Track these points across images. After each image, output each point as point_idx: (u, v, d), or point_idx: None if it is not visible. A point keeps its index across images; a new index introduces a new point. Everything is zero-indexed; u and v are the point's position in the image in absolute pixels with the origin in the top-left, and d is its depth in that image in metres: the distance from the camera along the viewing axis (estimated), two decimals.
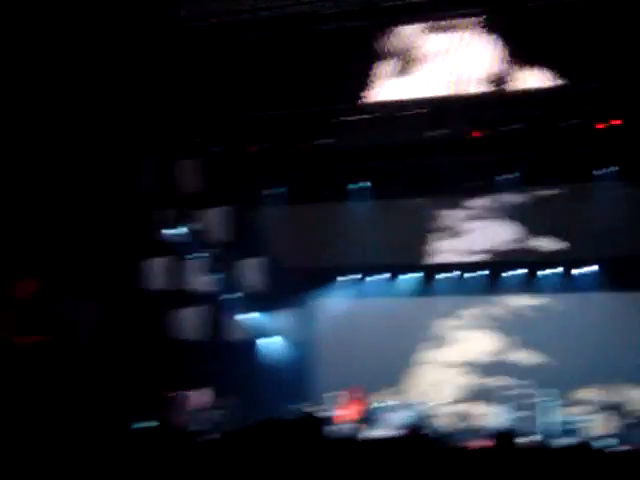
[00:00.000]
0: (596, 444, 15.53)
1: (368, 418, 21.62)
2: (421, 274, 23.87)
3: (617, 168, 19.82)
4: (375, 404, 22.05)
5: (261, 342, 23.61)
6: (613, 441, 19.37)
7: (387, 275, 24.11)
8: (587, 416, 21.13)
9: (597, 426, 20.44)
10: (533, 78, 16.11)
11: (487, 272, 23.25)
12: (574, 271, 22.44)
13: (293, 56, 17.00)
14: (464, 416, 21.97)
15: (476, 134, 17.61)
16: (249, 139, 18.54)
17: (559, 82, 15.96)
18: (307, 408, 22.05)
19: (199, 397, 21.48)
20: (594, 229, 21.28)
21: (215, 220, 21.09)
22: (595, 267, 22.14)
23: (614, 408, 20.62)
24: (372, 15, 16.30)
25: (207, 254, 21.07)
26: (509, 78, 16.14)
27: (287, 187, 21.84)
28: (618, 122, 17.00)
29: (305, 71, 17.01)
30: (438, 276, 23.66)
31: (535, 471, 4.58)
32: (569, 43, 15.42)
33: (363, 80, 16.83)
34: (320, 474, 4.45)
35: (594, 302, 22.55)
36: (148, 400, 19.04)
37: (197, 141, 18.92)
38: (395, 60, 16.59)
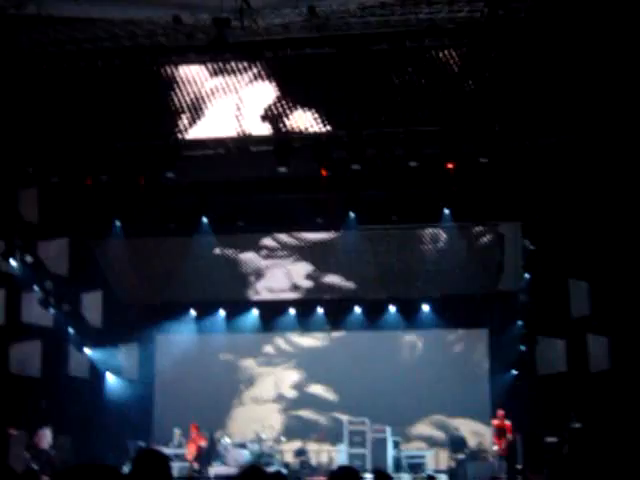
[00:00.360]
0: (429, 478, 16.07)
1: (207, 455, 21.47)
2: (258, 310, 24.01)
3: (449, 210, 20.62)
4: (214, 441, 21.92)
5: (100, 378, 23.11)
6: (446, 476, 20.03)
7: (225, 311, 24.12)
8: (422, 451, 21.72)
9: (431, 461, 21.05)
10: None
11: (322, 309, 23.68)
12: (407, 308, 23.20)
13: (134, 88, 16.82)
14: (302, 453, 22.12)
15: (323, 173, 17.89)
16: (86, 170, 18.12)
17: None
18: (146, 445, 21.74)
19: (36, 435, 20.77)
20: (427, 268, 22.15)
21: (53, 252, 20.51)
22: (426, 305, 22.96)
23: (448, 443, 21.28)
24: (217, 49, 16.37)
25: (45, 287, 20.44)
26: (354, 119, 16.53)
27: (126, 220, 21.52)
28: (451, 165, 17.65)
29: (146, 104, 16.85)
30: (275, 312, 23.91)
31: None
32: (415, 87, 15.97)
33: (205, 115, 16.82)
34: None
35: (425, 338, 23.34)
36: None
37: (32, 170, 18.35)
38: (236, 96, 16.66)
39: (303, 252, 22.84)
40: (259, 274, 23.40)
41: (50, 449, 20.58)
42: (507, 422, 19.89)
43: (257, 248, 23.03)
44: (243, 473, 4.61)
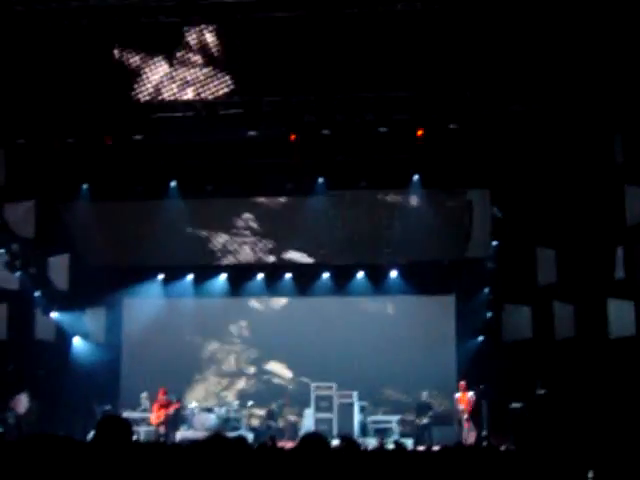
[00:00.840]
0: (395, 443, 16.19)
1: (174, 420, 21.51)
2: (227, 275, 23.98)
3: (418, 176, 20.65)
4: (181, 405, 21.95)
5: (67, 342, 23.01)
6: (412, 440, 20.21)
7: (194, 275, 24.05)
8: (388, 416, 21.87)
9: (396, 426, 21.20)
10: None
11: (290, 274, 23.71)
12: (375, 274, 23.27)
13: (102, 48, 16.60)
14: (272, 416, 22.21)
15: (293, 137, 17.83)
16: (54, 132, 17.92)
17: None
18: (113, 409, 21.73)
19: (12, 399, 20.71)
20: (395, 234, 22.20)
21: (19, 215, 20.29)
22: (395, 271, 23.05)
23: (414, 408, 21.44)
24: (186, 11, 16.18)
25: (11, 250, 20.25)
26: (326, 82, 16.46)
27: (93, 183, 21.36)
28: (421, 131, 17.65)
29: (116, 65, 16.65)
30: (244, 277, 23.90)
31: (340, 472, 4.70)
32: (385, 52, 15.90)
33: (174, 76, 16.65)
34: (127, 477, 4.40)
35: (393, 304, 23.44)
36: None
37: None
38: (206, 58, 16.50)
39: (271, 217, 22.77)
40: (226, 239, 23.31)
41: (27, 413, 20.58)
42: (469, 393, 20.18)
43: (225, 212, 22.93)
44: (206, 440, 4.60)
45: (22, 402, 20.59)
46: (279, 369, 23.76)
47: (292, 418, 22.39)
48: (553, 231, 19.39)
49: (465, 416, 20.08)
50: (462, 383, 20.55)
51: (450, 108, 16.85)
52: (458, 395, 20.41)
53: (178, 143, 19.52)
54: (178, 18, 16.34)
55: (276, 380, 23.78)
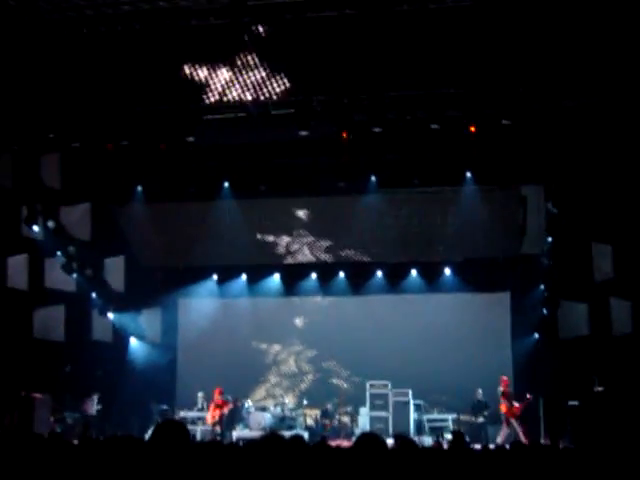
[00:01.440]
0: (452, 433, 16.09)
1: (230, 419, 21.65)
2: (280, 274, 24.06)
3: (471, 173, 20.50)
4: (237, 404, 22.07)
5: (124, 342, 23.30)
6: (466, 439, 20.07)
7: (248, 275, 24.18)
8: (443, 415, 21.76)
9: (451, 425, 21.09)
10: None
11: (344, 273, 23.71)
12: (428, 272, 23.17)
13: (154, 52, 16.75)
14: (327, 414, 22.22)
15: (344, 136, 17.84)
16: (108, 135, 18.16)
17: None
18: (170, 409, 21.96)
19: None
20: (449, 232, 22.07)
21: (75, 218, 20.58)
22: (448, 269, 22.93)
23: (470, 407, 21.31)
24: (236, 13, 16.28)
25: (68, 252, 20.55)
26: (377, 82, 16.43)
27: (147, 185, 21.58)
28: (473, 128, 17.53)
29: (163, 69, 16.81)
30: (298, 276, 23.97)
31: (396, 471, 4.69)
32: (436, 49, 15.83)
33: (227, 78, 16.75)
34: (185, 477, 4.44)
35: (447, 302, 23.26)
36: (7, 400, 18.53)
37: (53, 136, 18.38)
38: (260, 59, 16.57)
39: (324, 216, 22.77)
40: (281, 238, 23.37)
41: (97, 415, 21.07)
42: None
43: (278, 212, 22.98)
44: (262, 439, 4.62)
45: (93, 404, 21.05)
46: (334, 368, 23.76)
47: (347, 417, 22.37)
48: (609, 226, 19.12)
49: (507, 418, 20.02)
50: (504, 378, 20.41)
51: (502, 104, 16.73)
52: (501, 388, 20.34)
53: (230, 144, 19.63)
54: (228, 19, 16.44)
55: (331, 379, 23.78)
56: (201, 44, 16.69)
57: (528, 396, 19.94)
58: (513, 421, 19.94)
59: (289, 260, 23.74)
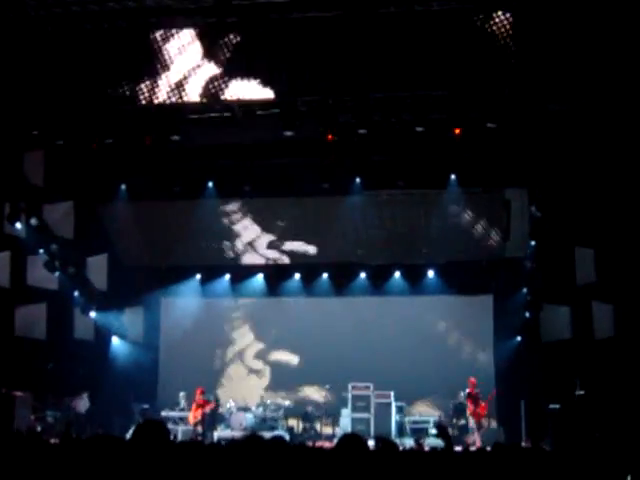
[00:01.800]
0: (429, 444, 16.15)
1: (211, 419, 21.61)
2: (264, 275, 24.06)
3: (455, 176, 20.53)
4: (219, 405, 22.04)
5: (106, 341, 23.22)
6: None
7: (231, 275, 24.16)
8: (425, 417, 21.80)
9: (432, 427, 21.10)
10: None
11: (327, 274, 23.73)
12: (412, 274, 23.22)
13: (139, 50, 16.71)
14: (306, 420, 22.21)
15: (329, 137, 17.83)
16: (92, 133, 18.07)
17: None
18: (151, 408, 21.90)
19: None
20: (432, 234, 22.11)
21: (58, 215, 20.49)
22: (432, 271, 22.99)
23: (451, 409, 21.37)
24: (223, 12, 16.25)
25: (50, 250, 20.46)
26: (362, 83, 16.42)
27: (131, 184, 21.50)
28: (458, 131, 17.55)
29: (146, 66, 16.76)
30: (281, 277, 23.97)
31: (377, 472, 4.69)
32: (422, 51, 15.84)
33: (211, 77, 16.71)
34: (165, 476, 4.42)
35: (430, 304, 23.31)
36: None
37: (37, 133, 18.27)
38: (244, 58, 16.55)
39: (309, 217, 22.76)
40: (264, 238, 23.34)
41: (87, 413, 21.04)
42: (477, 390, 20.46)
43: (263, 212, 22.95)
44: (243, 439, 4.61)
45: (84, 402, 21.01)
46: (316, 369, 23.71)
47: (329, 419, 22.36)
48: (592, 230, 19.20)
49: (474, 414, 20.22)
50: (472, 379, 20.52)
51: (487, 107, 16.76)
52: (467, 391, 20.54)
53: (215, 144, 19.61)
54: (215, 18, 16.42)
55: (313, 380, 23.73)
56: (186, 43, 16.65)
57: (493, 392, 20.10)
58: (478, 422, 20.13)
59: (272, 260, 23.72)
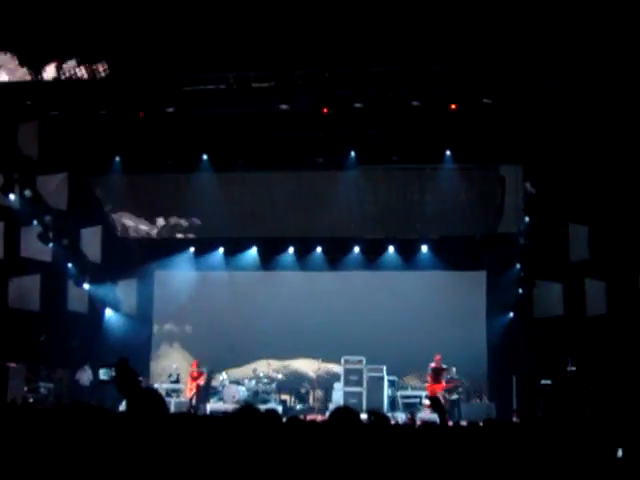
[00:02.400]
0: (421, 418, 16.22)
1: (205, 391, 21.69)
2: (257, 248, 24.06)
3: (450, 151, 20.50)
4: (212, 377, 22.11)
5: (99, 313, 23.24)
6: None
7: (225, 248, 24.15)
8: (417, 391, 21.89)
9: (426, 400, 21.19)
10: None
11: (321, 248, 23.74)
12: (405, 249, 23.24)
13: (134, 21, 16.62)
14: (300, 390, 22.30)
15: (325, 111, 17.79)
16: (86, 105, 17.99)
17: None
18: (145, 380, 21.94)
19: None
20: (427, 209, 22.12)
21: (52, 187, 20.43)
22: (425, 246, 23.02)
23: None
24: None
25: (44, 222, 20.41)
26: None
27: (125, 156, 21.39)
28: (454, 106, 17.53)
29: (147, 37, 16.66)
30: (275, 250, 23.97)
31: (369, 445, 4.72)
32: (419, 25, 15.76)
33: (207, 50, 16.63)
34: (160, 448, 4.43)
35: (423, 279, 23.33)
36: None
37: (31, 104, 18.17)
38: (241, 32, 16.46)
39: (304, 191, 22.71)
40: (258, 212, 23.27)
41: (90, 386, 21.08)
42: (443, 366, 20.75)
43: (257, 186, 22.88)
44: (237, 411, 4.62)
45: (86, 374, 21.09)
46: (309, 343, 23.75)
47: (321, 392, 22.44)
48: (586, 207, 19.23)
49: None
50: (437, 356, 20.86)
51: (484, 82, 16.71)
52: (433, 365, 20.87)
53: (210, 116, 19.53)
54: None
55: (307, 354, 23.79)
56: (180, 13, 16.55)
57: (437, 357, 20.60)
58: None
59: (266, 233, 23.67)
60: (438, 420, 6.77)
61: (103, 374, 4.89)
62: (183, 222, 22.99)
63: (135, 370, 4.76)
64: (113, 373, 4.75)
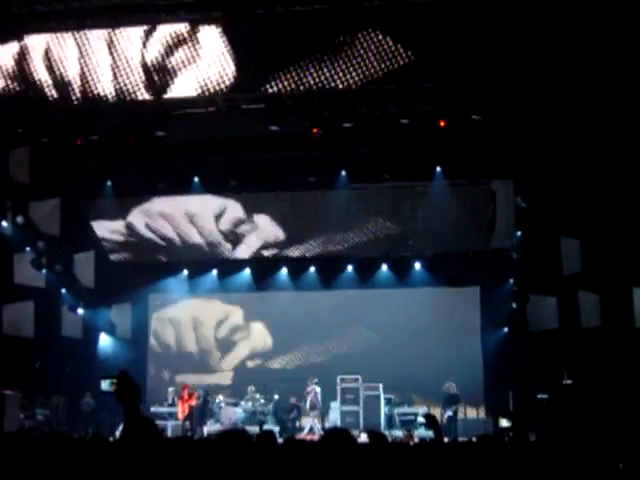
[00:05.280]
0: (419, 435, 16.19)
1: (201, 414, 21.61)
2: (251, 269, 24.05)
3: (441, 168, 20.56)
4: (207, 400, 22.04)
5: (94, 338, 23.19)
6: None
7: (218, 270, 24.15)
8: (414, 408, 21.82)
9: (421, 419, 21.12)
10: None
11: (314, 267, 23.77)
12: (398, 267, 23.27)
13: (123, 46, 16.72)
14: (293, 410, 22.22)
15: (315, 131, 17.85)
16: (77, 131, 18.05)
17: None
18: (142, 404, 21.86)
19: (28, 394, 20.96)
20: (419, 226, 22.16)
21: (44, 213, 20.45)
22: (418, 263, 23.06)
23: (440, 400, 21.41)
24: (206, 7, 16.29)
25: (37, 248, 20.41)
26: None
27: (117, 180, 21.41)
28: (443, 123, 17.59)
29: (135, 62, 16.74)
30: (268, 271, 23.97)
31: (364, 464, 4.73)
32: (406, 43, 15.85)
33: (194, 73, 16.69)
34: (156, 472, 4.45)
35: (417, 296, 23.32)
36: None
37: (22, 131, 18.21)
38: (230, 54, 16.55)
39: (295, 211, 22.75)
40: (251, 233, 23.30)
41: (90, 412, 21.30)
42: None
43: (249, 207, 22.91)
44: (225, 435, 4.63)
45: (88, 403, 21.18)
46: (304, 363, 23.75)
47: (316, 412, 22.33)
48: (577, 221, 19.30)
49: None
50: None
51: (472, 99, 16.79)
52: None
53: (200, 139, 19.58)
54: (198, 15, 16.42)
55: (301, 373, 23.75)
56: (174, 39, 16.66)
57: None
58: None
59: (259, 255, 23.69)
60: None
61: (105, 385, 4.96)
62: (175, 244, 22.98)
63: (135, 381, 4.80)
64: (115, 384, 4.82)
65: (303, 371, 23.30)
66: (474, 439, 7.73)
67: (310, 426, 21.03)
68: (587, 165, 18.33)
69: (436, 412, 21.12)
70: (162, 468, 4.54)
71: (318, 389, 21.43)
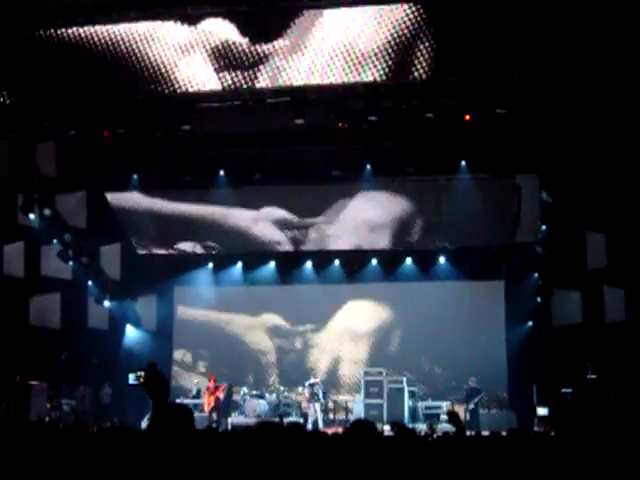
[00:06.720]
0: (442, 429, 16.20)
1: (226, 406, 21.76)
2: (275, 262, 24.14)
3: (466, 162, 20.52)
4: (232, 392, 22.18)
5: (119, 330, 23.37)
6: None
7: (243, 263, 24.26)
8: (438, 402, 21.84)
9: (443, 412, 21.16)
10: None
11: (339, 261, 23.81)
12: (423, 260, 23.26)
13: (149, 42, 16.82)
14: (320, 404, 22.30)
15: (340, 125, 17.88)
16: (103, 124, 18.18)
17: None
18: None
19: (55, 385, 21.19)
20: (443, 220, 22.13)
21: (71, 205, 20.61)
22: (443, 257, 23.03)
23: (464, 394, 21.42)
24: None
25: (64, 240, 20.59)
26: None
27: (143, 173, 21.55)
28: (468, 117, 17.56)
29: (156, 58, 16.88)
30: (293, 264, 24.05)
31: (391, 456, 4.78)
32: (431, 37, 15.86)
33: (220, 66, 16.77)
34: (184, 463, 4.51)
35: (441, 290, 23.29)
36: (3, 387, 18.59)
37: (49, 124, 18.36)
38: (254, 48, 16.61)
39: (320, 204, 22.78)
40: (276, 226, 23.37)
41: (111, 403, 21.70)
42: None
43: (274, 200, 22.96)
44: (259, 427, 4.68)
45: (108, 394, 21.46)
46: (330, 356, 23.82)
47: (342, 404, 22.43)
48: (603, 215, 19.19)
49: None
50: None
51: (497, 93, 16.76)
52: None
53: (226, 132, 19.65)
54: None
55: (326, 365, 23.83)
56: (192, 32, 16.75)
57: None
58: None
59: (284, 248, 23.76)
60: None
61: (132, 379, 5.00)
62: (200, 237, 23.12)
63: (163, 374, 4.86)
64: (142, 377, 4.86)
65: (326, 364, 23.38)
66: (503, 433, 7.74)
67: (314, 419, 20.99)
68: (612, 159, 18.24)
69: (460, 407, 21.24)
70: (191, 459, 4.60)
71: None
